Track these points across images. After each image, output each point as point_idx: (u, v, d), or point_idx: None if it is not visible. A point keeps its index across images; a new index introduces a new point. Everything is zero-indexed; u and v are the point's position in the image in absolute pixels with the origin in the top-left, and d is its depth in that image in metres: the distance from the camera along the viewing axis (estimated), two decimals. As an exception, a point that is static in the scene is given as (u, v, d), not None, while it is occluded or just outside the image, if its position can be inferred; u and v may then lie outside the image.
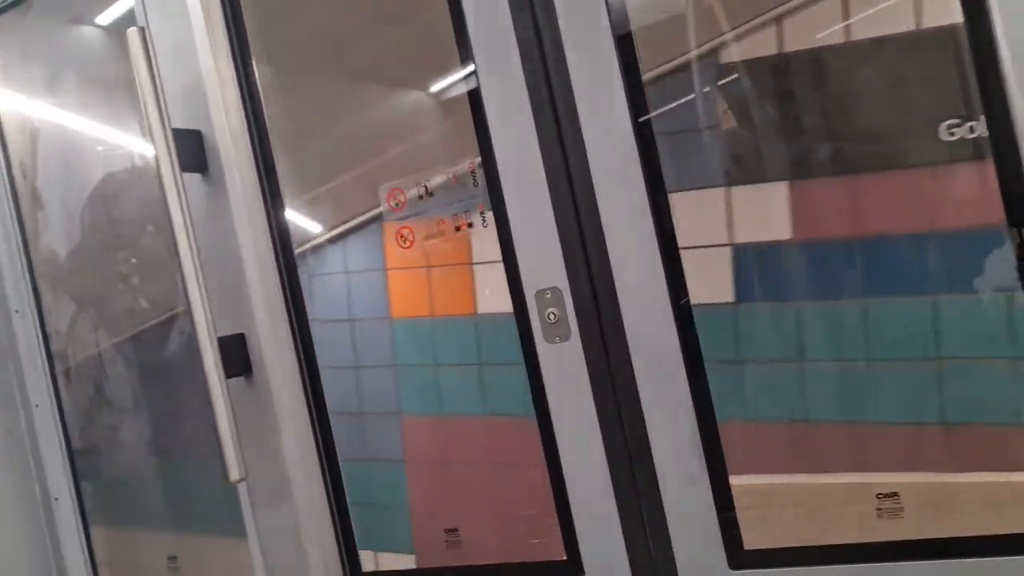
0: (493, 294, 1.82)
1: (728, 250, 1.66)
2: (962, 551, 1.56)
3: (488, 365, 1.88)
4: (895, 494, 1.60)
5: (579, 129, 1.68)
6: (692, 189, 1.66)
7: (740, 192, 1.64)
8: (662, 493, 1.71)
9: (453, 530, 1.94)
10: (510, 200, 1.74)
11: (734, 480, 1.69)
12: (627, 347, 1.70)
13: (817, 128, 1.60)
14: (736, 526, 1.68)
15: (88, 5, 2.25)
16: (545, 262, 1.73)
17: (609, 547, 1.76)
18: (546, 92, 1.71)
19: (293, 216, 2.00)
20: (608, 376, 1.73)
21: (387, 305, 1.96)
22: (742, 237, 1.64)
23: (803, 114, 1.61)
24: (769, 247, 1.63)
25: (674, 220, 1.66)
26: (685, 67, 1.66)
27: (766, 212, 1.63)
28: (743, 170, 1.64)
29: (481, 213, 1.79)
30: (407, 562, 2.00)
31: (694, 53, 1.65)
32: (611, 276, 1.69)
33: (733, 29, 1.62)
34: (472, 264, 1.85)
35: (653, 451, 1.71)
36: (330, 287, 2.01)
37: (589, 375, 1.73)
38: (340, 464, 2.01)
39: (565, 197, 1.71)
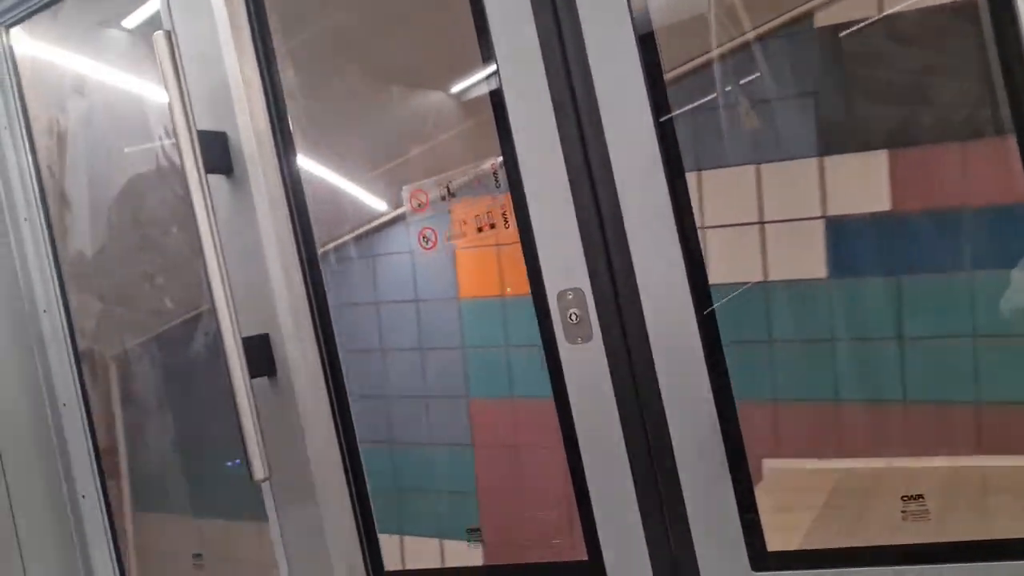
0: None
1: (821, 223, 1.60)
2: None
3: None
4: (920, 496, 1.58)
5: (601, 129, 1.68)
6: (783, 160, 1.60)
7: (836, 162, 1.57)
8: (684, 494, 1.71)
9: (524, 517, 1.90)
10: (532, 201, 1.74)
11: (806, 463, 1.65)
12: (649, 348, 1.69)
13: (918, 92, 1.52)
14: (759, 527, 1.67)
15: (115, 9, 2.27)
16: (567, 263, 1.73)
17: (631, 548, 1.76)
18: (568, 92, 1.71)
19: (359, 192, 2.00)
20: (630, 377, 1.73)
21: (455, 285, 1.92)
22: (837, 210, 1.57)
23: (902, 78, 1.53)
24: (867, 219, 1.56)
25: (761, 192, 1.62)
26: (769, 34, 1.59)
27: (864, 183, 1.55)
28: (838, 139, 1.57)
29: (503, 214, 1.79)
30: (474, 553, 1.98)
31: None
32: (633, 277, 1.69)
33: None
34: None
35: (675, 452, 1.70)
36: (395, 267, 1.97)
37: (611, 376, 1.73)
38: (362, 454, 2.02)
39: (587, 198, 1.71)
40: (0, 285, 2.34)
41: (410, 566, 2.05)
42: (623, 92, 1.66)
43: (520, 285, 1.82)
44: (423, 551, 2.03)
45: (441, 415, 1.99)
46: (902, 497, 1.59)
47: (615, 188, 1.68)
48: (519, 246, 1.81)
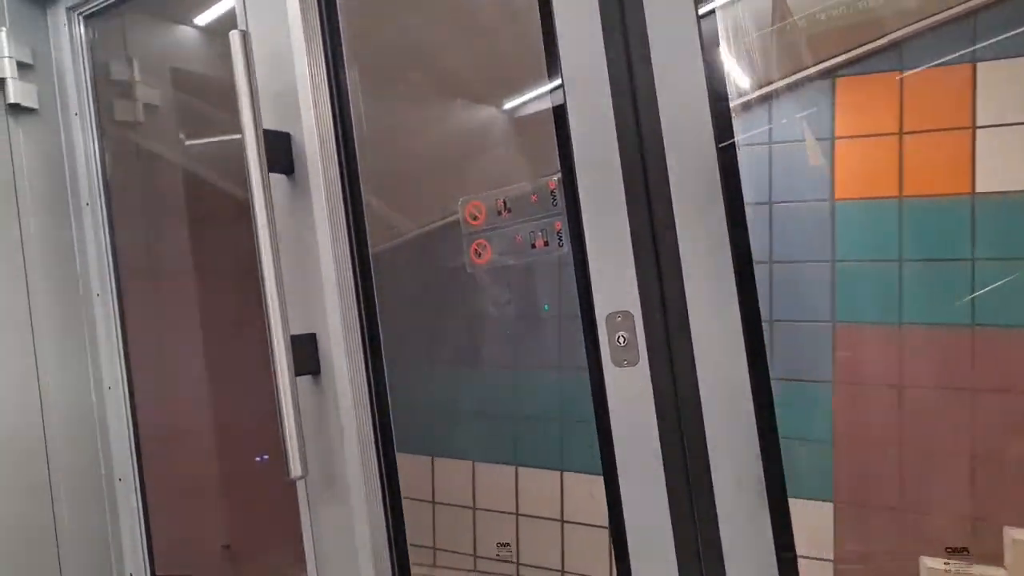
0: (1007, 165, 1.42)
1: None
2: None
3: (983, 261, 1.48)
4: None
5: (663, 152, 1.68)
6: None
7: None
8: (720, 526, 1.69)
9: (901, 476, 1.59)
10: (588, 220, 1.74)
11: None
12: (695, 377, 1.69)
13: None
14: (795, 566, 1.65)
15: (187, 5, 2.33)
16: (619, 285, 1.73)
17: (662, 573, 1.74)
18: (632, 113, 1.71)
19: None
20: (674, 404, 1.72)
21: (829, 183, 1.62)
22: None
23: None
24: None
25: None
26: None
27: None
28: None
29: (558, 232, 1.80)
30: (822, 510, 1.70)
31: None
32: (684, 304, 1.68)
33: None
34: (975, 128, 1.46)
35: (714, 483, 1.69)
36: (746, 160, 1.66)
37: (655, 401, 1.72)
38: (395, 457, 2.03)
39: (643, 221, 1.71)
40: (58, 268, 2.39)
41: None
42: (687, 117, 1.66)
43: (933, 183, 1.48)
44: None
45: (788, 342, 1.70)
46: None
47: (672, 213, 1.68)
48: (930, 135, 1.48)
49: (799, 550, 1.55)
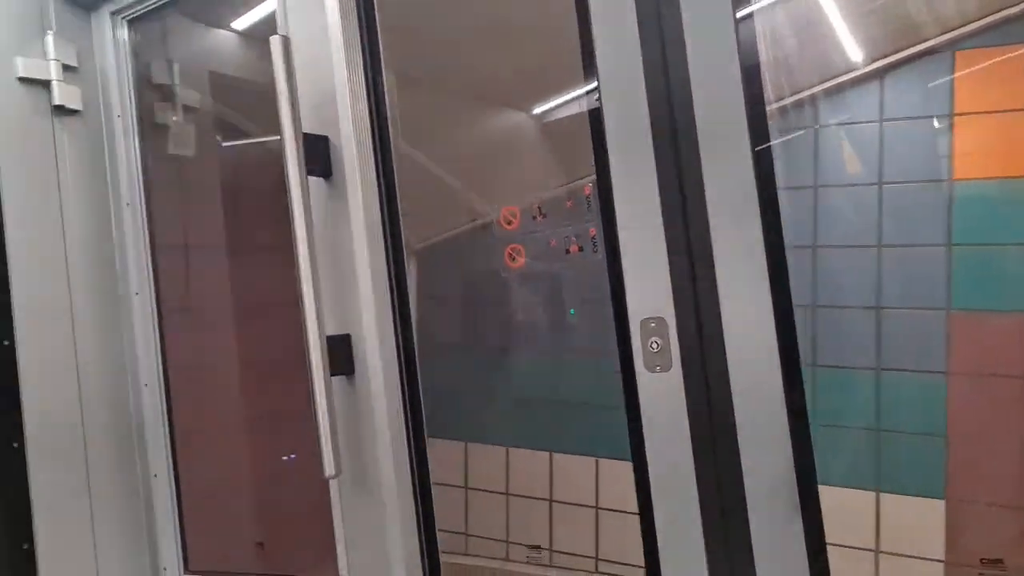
0: None
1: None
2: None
3: None
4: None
5: (699, 159, 1.68)
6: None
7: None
8: (752, 533, 1.69)
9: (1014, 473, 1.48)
10: (622, 226, 1.75)
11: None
12: (728, 383, 1.69)
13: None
14: (827, 570, 1.64)
15: (227, 10, 2.37)
16: (653, 291, 1.73)
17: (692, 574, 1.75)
18: (668, 116, 1.71)
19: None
20: (706, 410, 1.72)
21: (947, 163, 1.51)
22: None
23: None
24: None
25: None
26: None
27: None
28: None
29: (593, 238, 1.81)
30: (931, 508, 1.58)
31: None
32: (718, 311, 1.68)
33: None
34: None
35: (746, 490, 1.69)
36: (853, 139, 1.60)
37: (687, 407, 1.72)
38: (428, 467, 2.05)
39: (678, 226, 1.71)
40: (99, 267, 2.44)
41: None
42: (723, 120, 1.66)
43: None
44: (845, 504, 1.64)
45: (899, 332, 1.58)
46: None
47: (707, 218, 1.68)
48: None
49: (903, 549, 1.50)
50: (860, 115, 1.57)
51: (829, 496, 1.62)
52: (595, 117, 1.78)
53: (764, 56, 1.60)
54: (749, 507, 1.69)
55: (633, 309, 1.75)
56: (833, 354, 1.61)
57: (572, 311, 2.65)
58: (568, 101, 1.85)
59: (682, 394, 1.72)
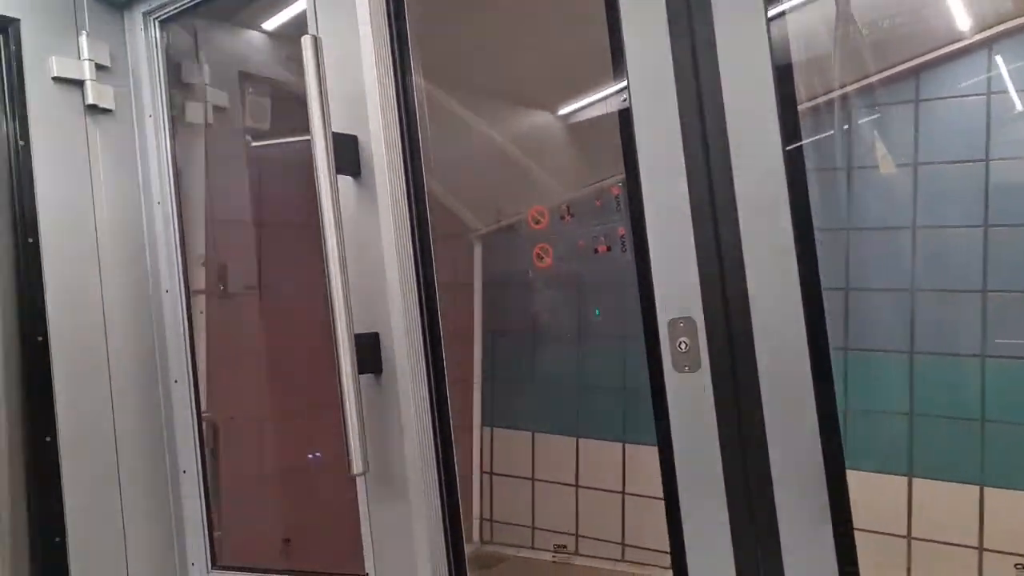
0: None
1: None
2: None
3: None
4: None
5: (728, 159, 1.67)
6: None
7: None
8: (780, 535, 1.68)
9: None
10: (651, 225, 1.74)
11: None
12: (758, 384, 1.67)
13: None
14: (856, 572, 1.63)
15: (257, 11, 2.39)
16: (681, 291, 1.72)
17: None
18: (697, 116, 1.71)
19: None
20: (735, 411, 1.71)
21: None
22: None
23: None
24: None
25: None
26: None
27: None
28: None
29: (621, 237, 1.80)
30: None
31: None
32: (748, 312, 1.67)
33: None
34: None
35: (775, 491, 1.68)
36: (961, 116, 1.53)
37: (716, 408, 1.71)
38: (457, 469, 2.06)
39: (708, 226, 1.70)
40: (131, 265, 2.46)
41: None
42: (754, 120, 1.65)
43: None
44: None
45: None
46: None
47: (737, 217, 1.67)
48: None
49: (992, 544, 1.45)
50: (962, 88, 1.54)
51: (868, 482, 1.66)
52: (624, 116, 1.78)
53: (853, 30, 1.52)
54: (778, 508, 1.67)
55: (661, 309, 1.75)
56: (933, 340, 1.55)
57: (597, 312, 2.66)
58: (596, 101, 1.84)
59: (711, 394, 1.71)
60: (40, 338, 2.27)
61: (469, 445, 2.98)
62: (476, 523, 2.82)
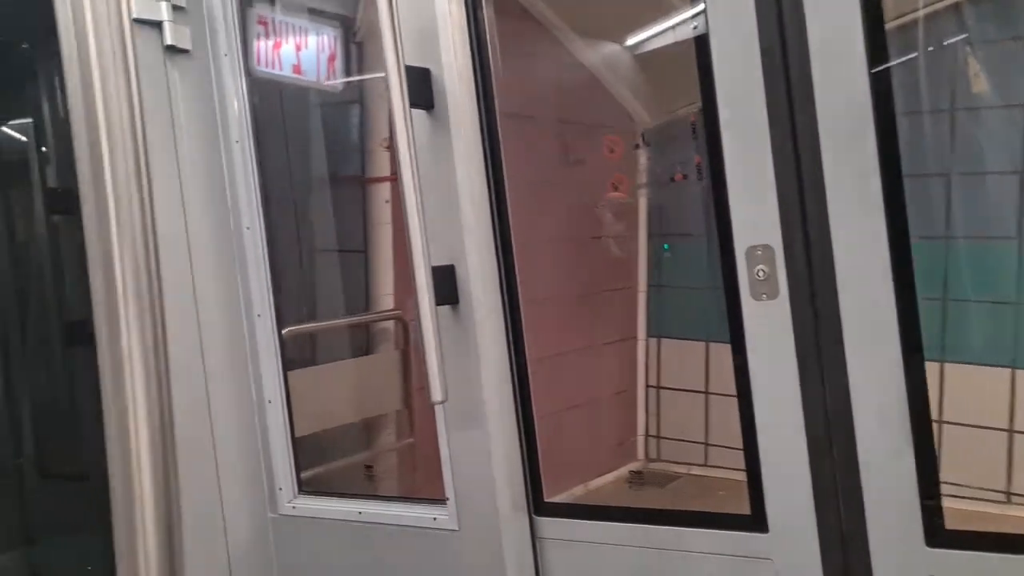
0: None
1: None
2: None
3: None
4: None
5: (810, 78, 1.62)
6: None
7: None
8: (860, 462, 1.67)
9: None
10: (728, 152, 1.72)
11: None
12: (838, 311, 1.65)
13: None
14: (939, 503, 1.62)
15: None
16: (759, 218, 1.70)
17: (797, 509, 1.74)
18: (778, 37, 1.66)
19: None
20: (814, 338, 1.70)
21: None
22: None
23: None
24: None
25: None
26: None
27: None
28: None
29: (698, 165, 1.78)
30: None
31: None
32: (829, 239, 1.64)
33: None
34: None
35: (855, 419, 1.67)
36: None
37: (795, 335, 1.70)
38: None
39: (787, 152, 1.67)
40: (212, 203, 2.53)
41: None
42: (838, 39, 1.59)
43: None
44: None
45: None
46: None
47: (818, 143, 1.63)
48: None
49: None
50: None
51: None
52: (701, 42, 1.74)
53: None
54: (858, 438, 1.67)
55: (738, 237, 1.73)
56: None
57: (666, 246, 2.63)
58: (675, 26, 1.80)
59: (789, 322, 1.70)
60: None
61: (633, 358, 2.88)
62: (641, 440, 2.79)
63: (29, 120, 2.90)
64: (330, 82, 2.83)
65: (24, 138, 2.94)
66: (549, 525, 2.10)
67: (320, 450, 2.77)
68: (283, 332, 2.62)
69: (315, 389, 2.75)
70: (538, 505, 2.11)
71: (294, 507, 2.57)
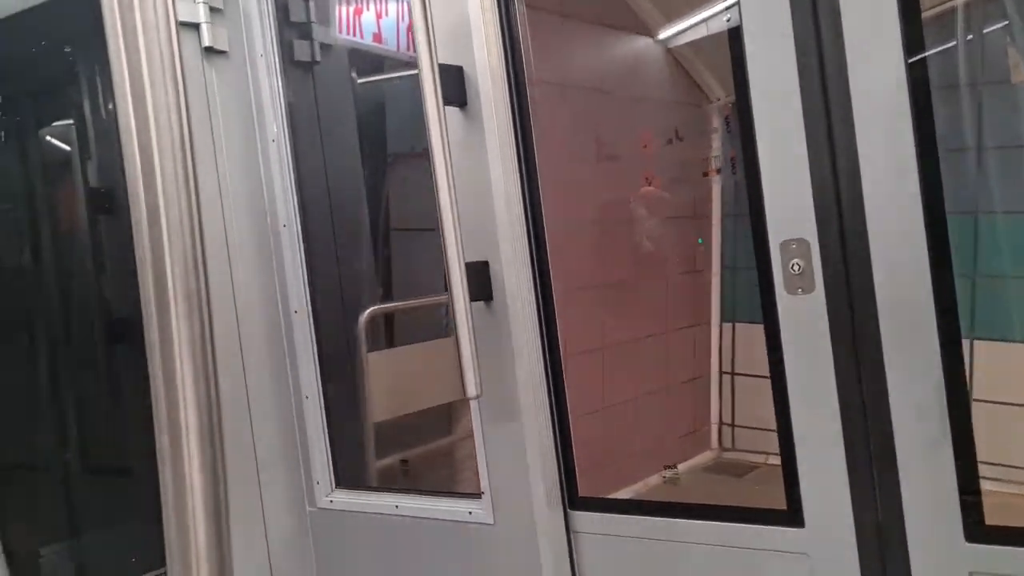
0: None
1: None
2: None
3: None
4: None
5: (845, 70, 1.61)
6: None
7: None
8: (897, 456, 1.66)
9: None
10: (762, 145, 1.71)
11: None
12: (875, 306, 1.64)
13: None
14: (978, 497, 1.60)
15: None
16: (795, 212, 1.69)
17: (834, 504, 1.73)
18: (812, 28, 1.65)
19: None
20: (850, 332, 1.68)
21: None
22: None
23: None
24: None
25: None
26: None
27: None
28: None
29: (732, 159, 1.77)
30: None
31: None
32: (865, 232, 1.63)
33: None
34: None
35: (892, 413, 1.66)
36: None
37: (830, 330, 1.69)
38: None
39: (823, 145, 1.66)
40: (250, 200, 2.57)
41: None
42: (873, 30, 1.58)
43: None
44: None
45: None
46: None
47: (854, 136, 1.62)
48: None
49: None
50: None
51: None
52: (734, 35, 1.73)
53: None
54: (895, 432, 1.65)
55: (773, 231, 1.72)
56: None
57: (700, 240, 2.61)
58: (708, 18, 1.80)
59: (825, 316, 1.69)
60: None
61: (706, 343, 2.81)
62: (715, 428, 2.74)
63: (71, 122, 2.95)
64: (411, 53, 2.82)
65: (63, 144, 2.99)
66: (584, 519, 2.11)
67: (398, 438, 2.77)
68: (364, 313, 2.63)
69: (393, 372, 2.74)
70: (572, 499, 2.12)
71: (332, 501, 2.60)
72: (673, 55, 2.18)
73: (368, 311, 2.67)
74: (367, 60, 3.02)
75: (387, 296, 3.06)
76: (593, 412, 2.46)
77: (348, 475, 2.70)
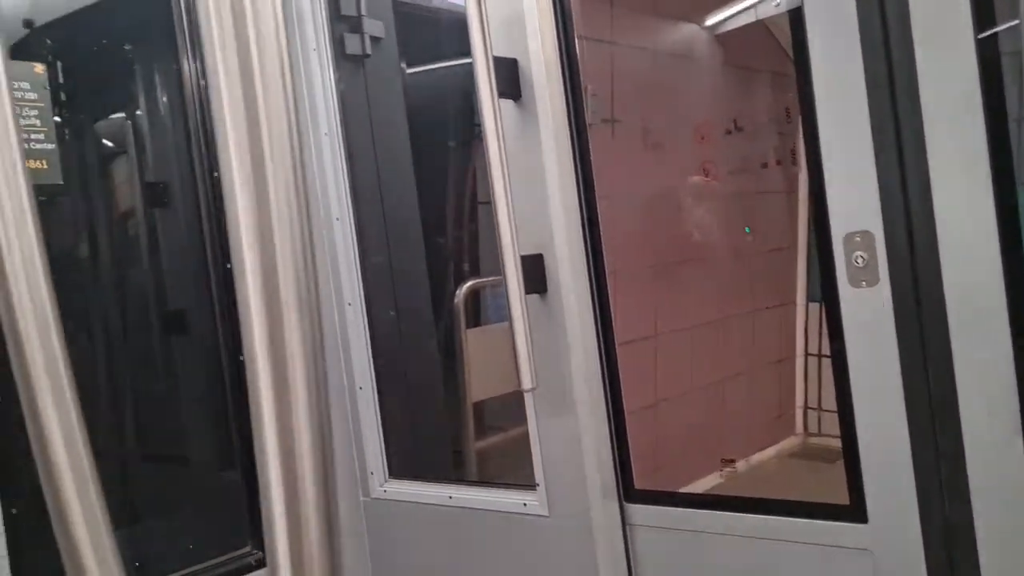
0: None
1: None
2: None
3: None
4: None
5: (912, 52, 1.56)
6: None
7: None
8: (967, 456, 1.62)
9: None
10: (825, 135, 1.67)
11: None
12: (943, 300, 1.59)
13: None
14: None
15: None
16: (858, 204, 1.65)
17: (899, 503, 1.70)
18: (878, 9, 1.60)
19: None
20: (917, 327, 1.64)
21: None
22: None
23: None
24: None
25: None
26: None
27: None
28: None
29: (792, 151, 1.74)
30: None
31: None
32: (933, 224, 1.58)
33: None
34: None
35: (960, 411, 1.61)
36: None
37: (896, 324, 1.65)
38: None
39: (888, 133, 1.61)
40: (301, 193, 2.59)
41: None
42: (943, 10, 1.52)
43: None
44: None
45: None
46: None
47: (921, 122, 1.57)
48: None
49: None
50: None
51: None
52: (795, 17, 1.68)
53: None
54: (964, 428, 1.61)
55: (836, 224, 1.69)
56: None
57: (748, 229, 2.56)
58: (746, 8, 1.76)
59: (890, 310, 1.65)
60: (228, 265, 2.44)
61: (791, 324, 2.71)
62: (799, 412, 2.65)
63: (124, 116, 3.00)
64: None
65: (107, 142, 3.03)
66: (639, 512, 2.10)
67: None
68: (463, 287, 2.63)
69: (491, 350, 2.72)
70: (629, 492, 2.11)
71: (385, 491, 2.63)
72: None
73: (467, 285, 2.64)
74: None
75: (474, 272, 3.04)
76: (682, 394, 2.41)
77: (420, 464, 2.72)
